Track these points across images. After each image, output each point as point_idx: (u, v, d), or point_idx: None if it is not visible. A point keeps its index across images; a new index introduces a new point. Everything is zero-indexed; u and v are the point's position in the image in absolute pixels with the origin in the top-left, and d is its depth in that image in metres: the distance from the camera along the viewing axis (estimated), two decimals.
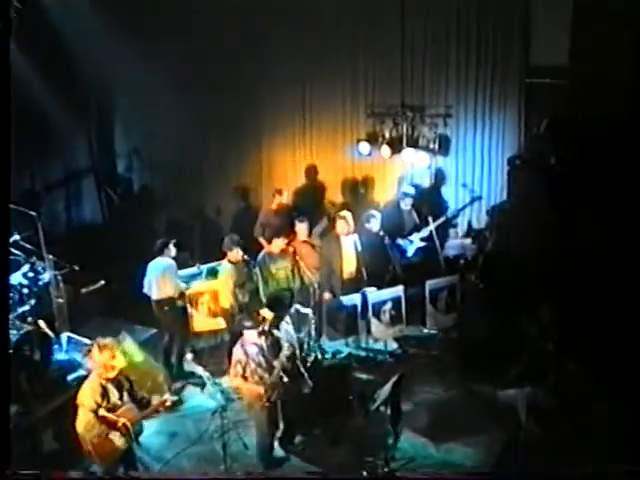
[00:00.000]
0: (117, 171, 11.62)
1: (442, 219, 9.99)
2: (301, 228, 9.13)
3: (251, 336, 7.08)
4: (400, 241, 9.86)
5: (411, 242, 9.90)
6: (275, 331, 7.36)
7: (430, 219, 9.76)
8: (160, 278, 8.35)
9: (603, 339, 7.35)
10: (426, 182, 10.73)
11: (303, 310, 8.17)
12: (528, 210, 9.06)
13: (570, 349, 7.39)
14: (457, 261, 9.84)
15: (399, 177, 10.86)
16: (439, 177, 10.64)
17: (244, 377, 7.01)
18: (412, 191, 10.23)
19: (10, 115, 5.57)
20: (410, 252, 9.89)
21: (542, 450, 6.59)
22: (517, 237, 9.17)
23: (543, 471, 6.04)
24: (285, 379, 6.97)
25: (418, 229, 9.93)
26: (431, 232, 9.72)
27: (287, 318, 7.81)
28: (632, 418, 6.56)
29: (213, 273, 8.73)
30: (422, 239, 9.87)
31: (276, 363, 7.01)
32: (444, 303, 8.90)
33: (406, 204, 10.02)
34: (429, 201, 10.40)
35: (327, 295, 8.89)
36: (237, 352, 7.07)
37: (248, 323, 7.14)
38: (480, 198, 10.33)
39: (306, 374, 7.34)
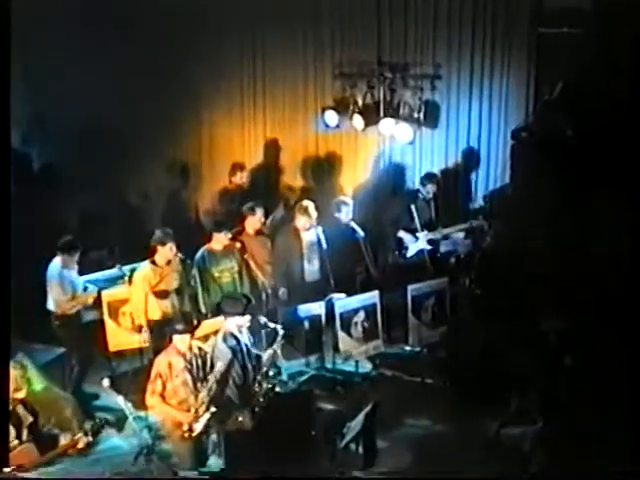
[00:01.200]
0: (11, 144, 11.35)
1: (463, 225, 9.84)
2: (251, 218, 9.09)
3: (181, 344, 7.12)
4: (403, 234, 9.82)
5: (416, 239, 9.82)
6: (205, 345, 7.37)
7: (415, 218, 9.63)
8: (54, 283, 8.30)
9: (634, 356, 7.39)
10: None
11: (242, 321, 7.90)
12: (537, 195, 9.01)
13: (593, 371, 7.42)
14: (447, 260, 9.81)
15: (375, 155, 10.83)
16: (467, 160, 10.44)
17: (162, 396, 7.03)
18: (437, 175, 10.16)
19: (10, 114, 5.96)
20: (410, 252, 9.85)
21: None
22: (523, 230, 9.15)
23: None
24: (213, 408, 6.96)
25: (431, 227, 9.84)
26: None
27: (233, 329, 7.62)
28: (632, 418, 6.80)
29: None
30: (430, 241, 9.80)
31: (204, 384, 7.04)
32: (430, 313, 8.95)
33: (428, 191, 9.89)
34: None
35: (283, 298, 8.89)
36: (159, 363, 7.09)
37: (180, 326, 7.21)
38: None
39: (257, 401, 7.29)
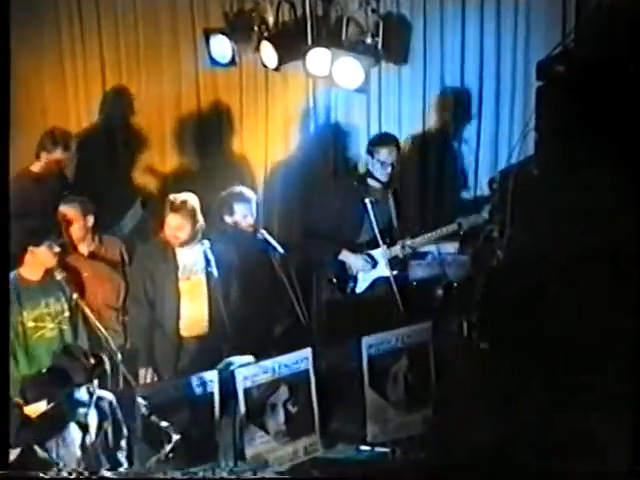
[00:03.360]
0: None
1: (447, 228, 10.08)
2: (79, 227, 9.46)
3: None
4: (347, 255, 10.12)
5: (374, 264, 10.09)
6: None
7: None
8: None
9: None
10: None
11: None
12: (579, 175, 8.81)
13: None
14: (430, 291, 10.10)
15: (298, 111, 11.38)
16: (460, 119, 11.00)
17: None
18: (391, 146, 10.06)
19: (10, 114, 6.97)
20: (362, 284, 10.20)
21: None
22: (556, 236, 8.96)
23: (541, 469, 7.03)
24: None
25: (389, 238, 10.05)
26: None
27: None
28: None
29: None
30: (391, 260, 10.02)
31: None
32: (402, 384, 8.82)
33: (383, 166, 9.93)
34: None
35: (147, 374, 9.26)
36: None
37: None
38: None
39: None
